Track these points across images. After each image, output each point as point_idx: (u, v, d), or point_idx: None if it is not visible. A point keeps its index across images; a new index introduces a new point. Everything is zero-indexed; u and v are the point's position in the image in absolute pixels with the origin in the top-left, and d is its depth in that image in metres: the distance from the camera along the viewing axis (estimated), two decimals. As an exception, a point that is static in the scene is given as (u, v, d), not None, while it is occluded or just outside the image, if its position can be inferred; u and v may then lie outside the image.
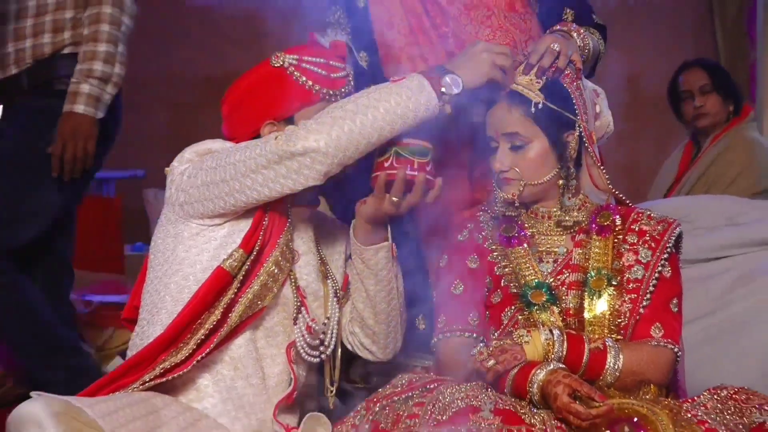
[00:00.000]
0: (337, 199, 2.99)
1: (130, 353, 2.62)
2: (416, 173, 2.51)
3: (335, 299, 2.68)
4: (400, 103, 2.47)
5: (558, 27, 2.90)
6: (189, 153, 2.62)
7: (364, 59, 3.04)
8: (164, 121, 7.16)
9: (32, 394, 2.29)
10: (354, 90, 2.67)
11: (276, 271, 2.57)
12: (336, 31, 2.77)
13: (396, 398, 2.48)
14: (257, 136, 2.63)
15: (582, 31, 2.92)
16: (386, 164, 2.52)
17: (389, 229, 2.63)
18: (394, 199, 2.53)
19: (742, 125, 5.05)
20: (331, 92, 2.63)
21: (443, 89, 2.52)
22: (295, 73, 2.62)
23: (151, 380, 2.46)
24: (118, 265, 4.71)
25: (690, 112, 5.07)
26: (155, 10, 6.72)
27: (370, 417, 2.46)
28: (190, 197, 2.53)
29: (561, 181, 2.70)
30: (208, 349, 2.48)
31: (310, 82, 2.62)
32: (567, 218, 2.73)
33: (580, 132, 2.69)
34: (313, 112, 2.57)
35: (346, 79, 2.68)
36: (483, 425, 2.28)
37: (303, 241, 2.69)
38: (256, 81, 2.67)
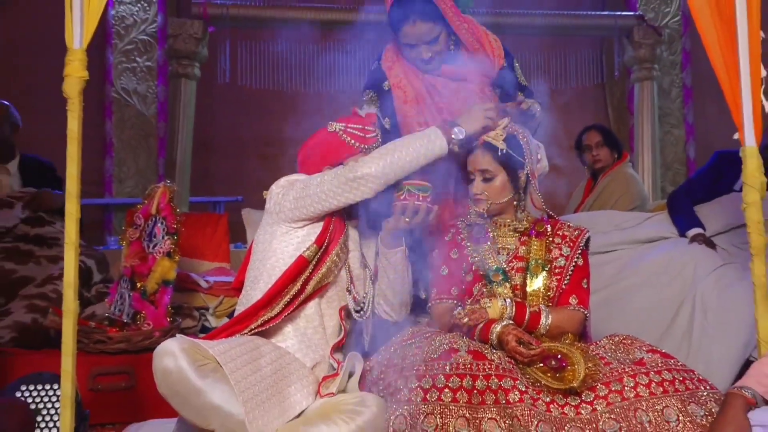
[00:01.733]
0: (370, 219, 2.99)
1: (238, 308, 2.63)
2: (421, 203, 2.52)
3: (370, 281, 2.67)
4: (423, 145, 2.53)
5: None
6: (283, 180, 2.64)
7: (388, 123, 3.08)
8: (255, 166, 7.16)
9: (177, 335, 2.31)
10: (382, 143, 2.69)
11: (336, 260, 2.57)
12: (370, 107, 2.86)
13: (403, 343, 2.48)
14: None
15: (529, 105, 3.02)
16: (401, 197, 2.52)
17: (404, 238, 2.63)
18: (406, 219, 2.53)
19: (622, 165, 5.02)
20: (366, 146, 2.64)
21: (453, 136, 2.57)
22: (343, 135, 2.65)
23: (255, 328, 2.47)
24: (226, 258, 4.69)
25: (590, 159, 5.04)
26: (251, 93, 6.73)
27: (386, 355, 2.46)
28: (283, 207, 2.55)
29: (515, 202, 2.71)
30: (292, 308, 2.50)
31: (353, 141, 2.64)
32: (519, 226, 2.72)
33: (527, 170, 2.69)
34: (355, 160, 2.60)
35: (376, 137, 2.68)
36: (460, 360, 2.30)
37: (352, 241, 2.68)
38: (318, 141, 2.68)
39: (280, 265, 2.53)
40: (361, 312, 2.63)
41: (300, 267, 2.51)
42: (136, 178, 6.68)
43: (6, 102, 4.41)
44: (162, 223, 3.42)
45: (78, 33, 2.44)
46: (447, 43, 3.05)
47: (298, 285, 2.50)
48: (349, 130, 2.66)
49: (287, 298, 2.48)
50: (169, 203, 3.43)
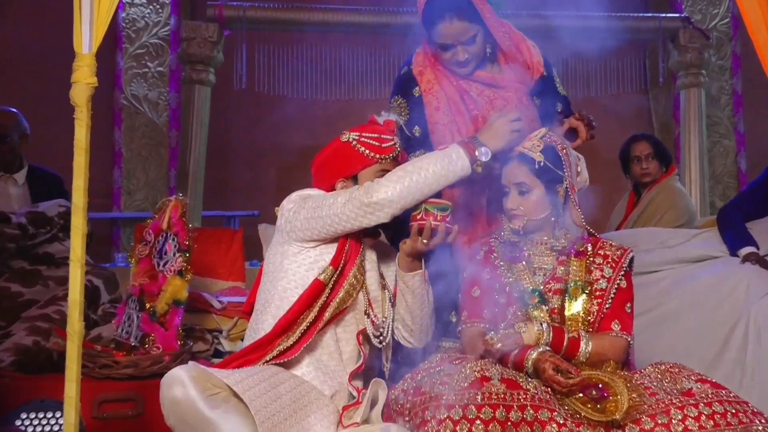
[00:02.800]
0: (392, 234, 2.98)
1: (247, 333, 2.63)
2: (439, 224, 2.51)
3: (389, 303, 2.66)
4: (444, 167, 2.51)
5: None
6: (294, 195, 2.64)
7: (418, 132, 3.07)
8: (272, 178, 7.19)
9: (190, 362, 2.31)
10: (401, 153, 2.72)
11: (354, 282, 2.56)
12: (388, 113, 2.80)
13: (432, 370, 2.45)
14: (334, 187, 2.66)
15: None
16: (418, 217, 2.52)
17: (423, 260, 2.62)
18: (424, 241, 2.52)
19: (668, 178, 4.99)
20: (382, 157, 2.64)
21: (476, 154, 2.56)
22: (357, 145, 2.64)
23: (271, 360, 2.47)
24: (241, 276, 4.70)
25: (638, 171, 5.01)
26: (269, 100, 6.76)
27: (414, 384, 2.43)
28: (294, 227, 2.54)
29: (553, 219, 2.70)
30: (310, 337, 2.49)
31: (367, 151, 2.64)
32: (557, 244, 2.70)
33: (567, 184, 2.68)
34: (371, 171, 2.63)
35: (394, 146, 2.68)
36: (493, 389, 2.27)
37: (369, 261, 2.66)
38: (332, 151, 2.69)
39: (292, 287, 2.53)
40: (381, 338, 2.61)
41: (316, 291, 2.50)
42: (146, 190, 6.73)
43: (14, 110, 4.46)
44: (173, 240, 3.42)
45: (87, 37, 2.46)
46: (483, 46, 3.04)
47: (315, 311, 2.49)
48: (363, 139, 2.65)
49: (304, 326, 2.47)
50: (181, 218, 3.43)
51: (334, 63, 6.66)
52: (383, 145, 2.66)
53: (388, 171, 2.60)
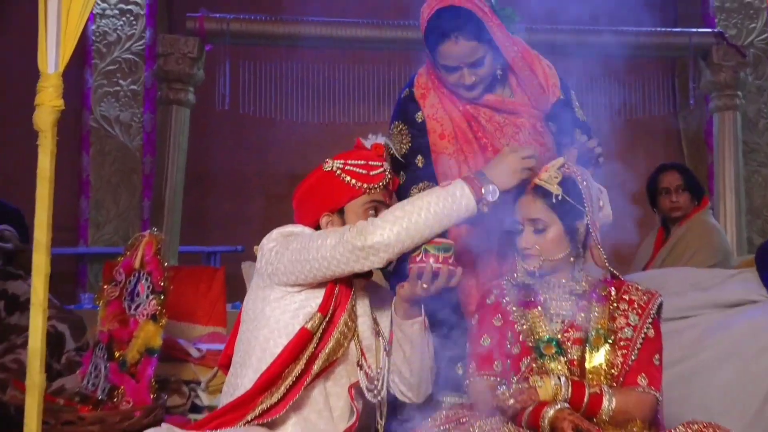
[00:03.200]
0: (388, 274, 2.99)
1: (225, 389, 2.62)
2: (440, 266, 2.49)
3: (384, 352, 2.64)
4: (446, 207, 2.49)
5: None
6: (275, 233, 2.62)
7: (421, 162, 3.08)
8: (259, 209, 7.20)
9: (163, 425, 2.30)
10: (392, 180, 2.72)
11: (345, 330, 2.56)
12: (376, 136, 2.77)
13: (435, 430, 2.46)
14: (318, 223, 2.66)
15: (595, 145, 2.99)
16: (417, 258, 2.50)
17: (423, 306, 2.60)
18: (423, 286, 2.49)
19: (701, 213, 5.01)
20: (370, 186, 2.63)
21: (483, 193, 2.54)
22: (342, 174, 2.63)
23: (253, 420, 2.45)
24: (222, 321, 4.69)
25: (667, 205, 5.03)
26: (255, 123, 6.79)
27: (416, 445, 2.43)
28: (277, 270, 2.53)
29: (572, 259, 2.69)
30: (297, 394, 2.47)
31: (354, 181, 2.62)
32: (577, 287, 2.70)
33: (587, 220, 2.68)
34: (358, 203, 2.62)
35: (383, 173, 2.67)
36: None
37: (361, 305, 2.65)
38: (314, 183, 2.68)
39: (275, 337, 2.52)
40: (375, 392, 2.60)
41: (302, 342, 2.49)
42: (117, 222, 6.74)
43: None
44: (146, 280, 3.42)
45: (53, 55, 2.48)
46: (493, 67, 3.05)
47: (302, 364, 2.47)
48: (348, 167, 2.64)
49: (289, 380, 2.46)
50: (156, 255, 3.43)
51: (327, 82, 6.70)
52: (371, 173, 2.64)
53: (377, 202, 2.62)
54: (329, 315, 2.52)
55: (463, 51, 2.97)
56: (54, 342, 3.80)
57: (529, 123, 3.10)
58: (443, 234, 2.57)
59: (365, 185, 2.62)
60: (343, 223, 2.61)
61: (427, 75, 3.17)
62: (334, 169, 2.63)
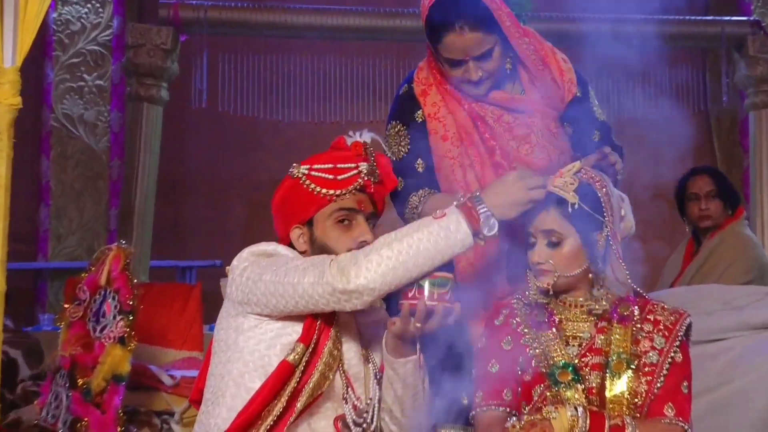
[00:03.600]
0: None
1: (197, 428, 2.61)
2: (435, 303, 2.45)
3: (375, 380, 2.63)
4: (439, 243, 2.43)
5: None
6: (246, 253, 2.59)
7: (422, 166, 3.09)
8: (240, 218, 7.21)
9: None
10: (368, 181, 2.63)
11: (331, 360, 2.52)
12: (360, 133, 2.70)
13: (439, 466, 2.46)
14: (290, 237, 2.65)
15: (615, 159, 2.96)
16: (410, 294, 2.46)
17: (417, 344, 2.56)
18: (417, 324, 2.46)
19: (735, 223, 5.01)
20: (338, 193, 2.58)
21: (480, 226, 2.47)
22: (306, 182, 2.57)
23: None
24: (198, 344, 4.69)
25: (695, 212, 5.03)
26: (235, 122, 6.80)
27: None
28: (249, 300, 2.50)
29: (591, 275, 2.69)
30: None
31: (318, 188, 2.56)
32: (597, 307, 2.69)
33: (607, 232, 2.67)
34: (326, 213, 2.58)
35: (356, 176, 2.59)
36: None
37: (346, 330, 2.63)
38: (283, 192, 2.65)
39: (250, 370, 2.49)
40: (365, 426, 2.58)
41: (283, 376, 2.45)
42: (81, 234, 6.75)
43: None
44: (113, 298, 3.43)
45: (9, 47, 2.48)
46: (502, 61, 3.06)
47: (284, 401, 2.44)
48: (314, 173, 2.59)
49: (270, 420, 2.42)
50: (124, 271, 3.45)
51: (316, 76, 6.72)
52: (339, 177, 2.59)
53: (347, 210, 2.58)
54: (312, 345, 2.49)
55: (468, 43, 2.97)
56: (6, 369, 3.80)
57: (542, 123, 3.10)
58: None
59: (331, 192, 2.58)
60: (313, 236, 2.60)
61: (428, 69, 3.17)
62: (300, 175, 2.59)
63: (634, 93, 6.90)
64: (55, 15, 6.73)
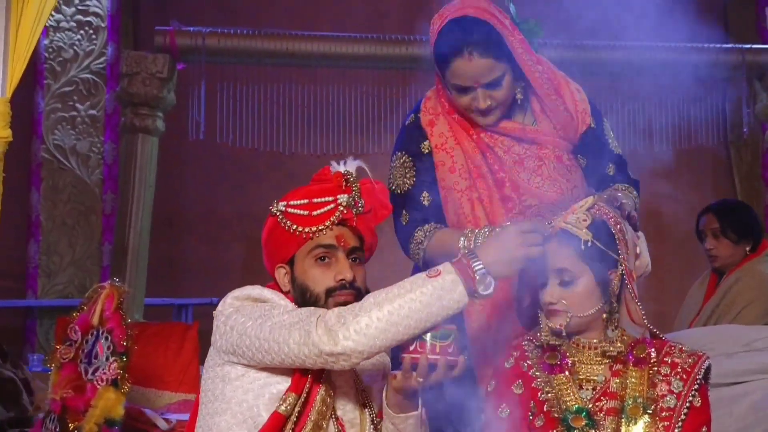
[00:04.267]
0: None
1: None
2: (438, 357, 2.44)
3: (372, 426, 2.61)
4: (432, 304, 2.38)
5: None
6: (230, 299, 2.59)
7: (427, 199, 3.10)
8: (238, 254, 7.21)
9: None
10: (348, 212, 2.59)
11: (324, 408, 2.51)
12: (345, 161, 2.68)
13: None
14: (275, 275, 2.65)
15: (621, 197, 2.96)
16: (411, 348, 2.44)
17: (419, 398, 2.56)
18: (419, 379, 2.44)
19: (755, 261, 4.99)
20: (314, 230, 2.55)
21: (476, 285, 2.42)
22: (283, 219, 2.57)
23: None
24: (194, 386, 4.68)
25: (706, 253, 5.03)
26: (234, 154, 6.82)
27: None
28: (235, 351, 2.49)
29: (605, 315, 2.69)
30: None
31: (295, 226, 2.55)
32: (612, 348, 2.69)
33: (622, 270, 2.68)
34: (304, 252, 2.56)
35: (333, 210, 2.56)
36: None
37: (341, 374, 2.59)
38: (266, 229, 2.65)
39: (239, 422, 2.48)
40: None
41: (275, 429, 2.44)
42: (72, 270, 6.75)
43: None
44: (106, 339, 3.43)
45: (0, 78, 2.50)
46: (512, 89, 3.07)
47: None
48: (290, 210, 2.58)
49: None
50: (118, 311, 3.45)
51: (319, 106, 6.73)
52: (314, 212, 2.57)
53: (325, 247, 2.55)
54: (304, 394, 2.47)
55: (477, 69, 2.99)
56: None
57: (554, 155, 3.12)
58: None
59: (307, 229, 2.55)
60: (293, 275, 2.59)
61: (436, 98, 3.20)
62: (277, 213, 2.59)
63: (649, 125, 6.92)
64: (46, 42, 6.76)
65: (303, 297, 2.56)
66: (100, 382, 3.41)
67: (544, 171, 3.09)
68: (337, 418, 2.57)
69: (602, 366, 2.69)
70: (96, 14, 6.87)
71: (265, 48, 6.58)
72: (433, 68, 3.15)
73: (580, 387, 2.68)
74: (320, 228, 2.55)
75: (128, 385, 3.40)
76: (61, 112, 6.81)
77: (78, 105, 6.84)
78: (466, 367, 2.51)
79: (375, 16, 6.98)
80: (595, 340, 2.70)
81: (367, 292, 2.57)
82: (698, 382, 2.64)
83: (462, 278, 2.40)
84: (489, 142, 3.11)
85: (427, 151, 3.14)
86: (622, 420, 2.60)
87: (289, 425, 2.45)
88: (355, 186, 2.61)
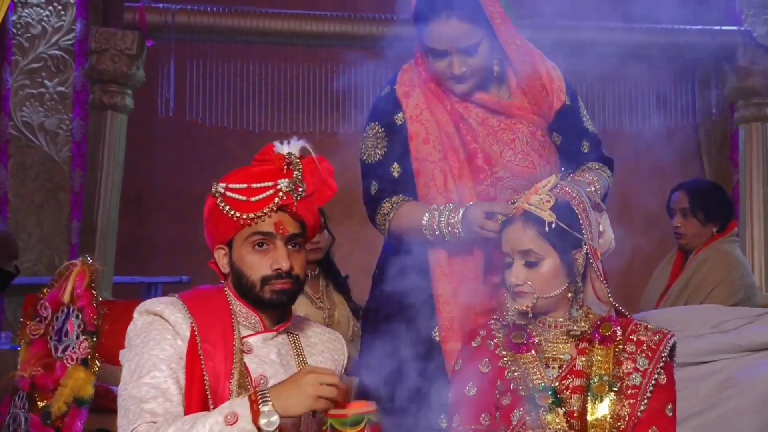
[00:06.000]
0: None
1: None
2: None
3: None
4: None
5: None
6: (136, 313, 2.61)
7: (397, 171, 3.13)
8: (208, 232, 7.19)
9: None
10: (288, 199, 2.51)
11: None
12: (289, 142, 2.60)
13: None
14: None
15: (594, 178, 3.06)
16: None
17: None
18: None
19: (721, 241, 5.01)
20: (252, 216, 2.48)
21: (260, 423, 2.31)
22: (222, 203, 2.50)
23: None
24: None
25: (673, 230, 5.06)
26: (204, 132, 6.80)
27: None
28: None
29: (570, 294, 2.71)
30: None
31: (233, 212, 2.48)
32: (575, 327, 2.71)
33: (587, 249, 2.70)
34: (242, 237, 2.51)
35: (273, 196, 2.48)
36: None
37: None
38: (207, 209, 2.57)
39: None
40: None
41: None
42: (40, 248, 6.73)
43: None
44: (77, 317, 3.43)
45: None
46: (488, 60, 3.09)
47: None
48: (229, 193, 2.51)
49: None
50: (89, 288, 3.44)
51: (289, 85, 6.72)
52: (252, 198, 2.50)
53: (266, 234, 2.50)
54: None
55: (453, 32, 3.01)
56: None
57: (528, 130, 3.15)
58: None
59: (245, 215, 2.49)
60: (231, 259, 2.56)
61: (413, 70, 3.22)
62: (216, 195, 2.52)
63: (619, 106, 6.94)
64: (14, 18, 6.72)
65: (239, 282, 2.54)
66: (70, 361, 3.40)
67: (517, 145, 3.11)
68: None
69: (568, 344, 2.71)
70: (65, -10, 6.83)
71: (235, 25, 6.56)
72: (405, 46, 3.17)
73: (547, 365, 2.70)
74: (258, 215, 2.49)
75: (98, 363, 3.40)
76: (30, 89, 6.77)
77: (46, 81, 6.81)
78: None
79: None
80: (560, 319, 2.72)
81: (305, 278, 2.59)
82: (663, 359, 2.66)
83: (251, 410, 2.32)
84: (463, 112, 3.13)
85: (400, 122, 3.16)
86: (588, 398, 2.61)
87: None
88: (298, 168, 2.54)
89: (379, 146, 3.15)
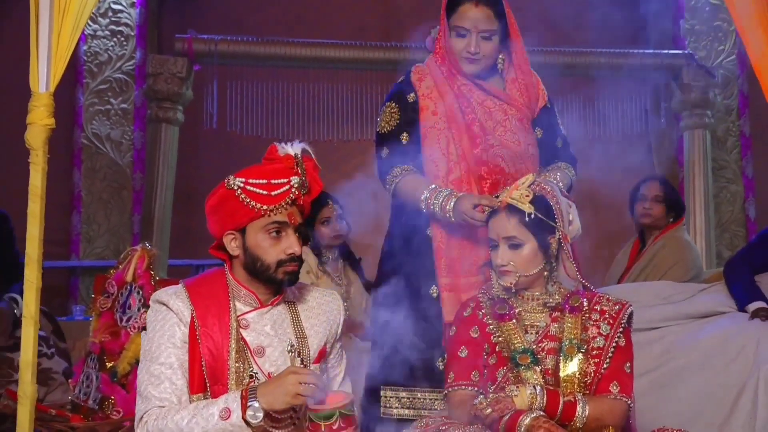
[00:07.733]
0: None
1: None
2: None
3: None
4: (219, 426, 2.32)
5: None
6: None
7: (405, 139, 3.17)
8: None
9: None
10: (299, 194, 2.49)
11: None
12: (290, 145, 2.55)
13: (417, 437, 2.44)
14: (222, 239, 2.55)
15: (560, 176, 3.14)
16: (305, 425, 2.34)
17: None
18: None
19: (676, 229, 5.02)
20: (271, 208, 2.45)
21: (247, 416, 2.31)
22: (242, 195, 2.44)
23: None
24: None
25: (639, 210, 5.04)
26: (242, 140, 6.78)
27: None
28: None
29: (546, 273, 2.72)
30: None
31: (253, 203, 2.44)
32: (550, 300, 2.73)
33: (559, 235, 2.71)
34: (259, 225, 2.46)
35: (288, 191, 2.45)
36: None
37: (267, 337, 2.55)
38: (217, 200, 2.51)
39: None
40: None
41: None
42: (108, 237, 6.71)
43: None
44: (138, 293, 3.42)
45: (44, 75, 2.48)
46: (496, 52, 3.18)
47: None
48: (249, 187, 2.45)
49: None
50: (148, 270, 3.43)
51: (312, 101, 6.70)
52: (273, 192, 2.45)
53: (279, 223, 2.47)
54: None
55: (479, 15, 3.09)
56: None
57: (517, 116, 3.20)
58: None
59: (264, 207, 2.45)
60: (245, 244, 2.50)
61: (424, 66, 3.26)
62: (235, 188, 2.45)
63: (585, 116, 6.91)
64: (85, 48, 6.70)
65: (254, 265, 2.49)
66: (132, 330, 3.41)
67: (507, 124, 3.17)
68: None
69: (543, 314, 2.72)
70: (126, 24, 6.80)
71: (267, 52, 6.57)
72: (404, 69, 3.17)
73: (526, 332, 2.71)
74: (276, 207, 2.45)
75: (155, 332, 3.38)
76: (98, 106, 6.74)
77: (112, 100, 6.78)
78: None
79: (356, 28, 6.95)
80: (537, 293, 2.73)
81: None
82: (623, 325, 2.68)
83: (241, 405, 2.33)
84: (467, 93, 3.19)
85: (412, 100, 3.21)
86: (561, 358, 2.63)
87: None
88: (303, 168, 2.52)
89: (393, 120, 3.20)
